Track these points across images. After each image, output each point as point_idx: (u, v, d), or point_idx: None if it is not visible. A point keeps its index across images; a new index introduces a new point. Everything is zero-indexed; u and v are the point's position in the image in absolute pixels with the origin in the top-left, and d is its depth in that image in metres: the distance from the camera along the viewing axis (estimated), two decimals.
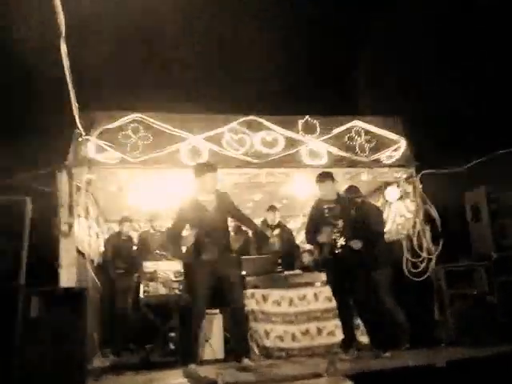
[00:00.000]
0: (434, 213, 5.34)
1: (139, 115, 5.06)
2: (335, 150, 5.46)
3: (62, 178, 4.63)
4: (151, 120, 5.06)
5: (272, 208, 5.81)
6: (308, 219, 4.37)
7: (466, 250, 5.38)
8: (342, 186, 5.44)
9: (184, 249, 6.12)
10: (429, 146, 5.97)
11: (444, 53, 6.88)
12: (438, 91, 7.04)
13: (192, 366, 3.60)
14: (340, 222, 4.11)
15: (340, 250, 4.09)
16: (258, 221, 5.80)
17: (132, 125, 5.01)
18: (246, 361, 3.70)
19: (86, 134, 4.76)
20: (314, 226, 4.21)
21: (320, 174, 4.29)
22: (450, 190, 5.73)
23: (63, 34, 3.60)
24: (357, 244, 4.06)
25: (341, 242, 4.10)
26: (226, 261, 3.84)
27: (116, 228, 6.15)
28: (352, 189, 5.09)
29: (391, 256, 5.22)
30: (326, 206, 4.19)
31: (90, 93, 5.01)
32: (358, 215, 4.24)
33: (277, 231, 5.71)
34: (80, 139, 4.75)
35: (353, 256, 4.05)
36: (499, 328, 4.28)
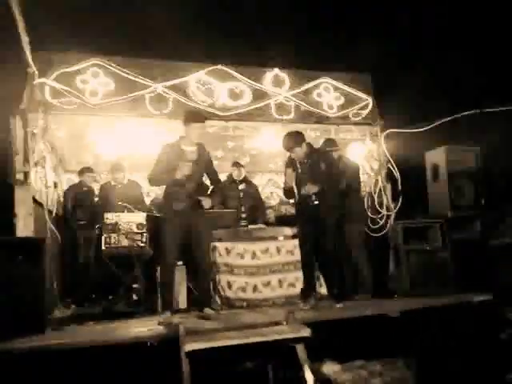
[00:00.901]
0: (396, 171, 5.47)
1: (100, 59, 4.76)
2: (303, 106, 5.41)
3: (16, 123, 4.36)
4: (112, 65, 4.77)
5: (236, 164, 5.75)
6: (285, 177, 4.31)
7: (425, 208, 5.60)
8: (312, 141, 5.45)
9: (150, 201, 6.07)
10: (394, 105, 6.01)
11: (416, 10, 6.80)
12: (408, 51, 7.02)
13: (167, 314, 3.67)
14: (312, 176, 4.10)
15: (311, 203, 4.11)
16: (223, 175, 5.76)
17: (92, 69, 4.72)
18: (207, 310, 3.79)
19: (42, 76, 4.45)
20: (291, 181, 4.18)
21: (288, 146, 4.16)
22: (413, 150, 5.86)
23: None
24: (312, 189, 4.05)
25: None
26: (195, 213, 3.81)
27: (76, 179, 5.92)
28: (329, 142, 5.08)
29: (364, 211, 5.33)
30: (298, 162, 4.21)
31: (45, 31, 4.63)
32: (331, 168, 4.20)
33: (242, 186, 5.69)
34: (35, 82, 4.45)
35: (324, 208, 4.08)
36: (450, 281, 4.55)
